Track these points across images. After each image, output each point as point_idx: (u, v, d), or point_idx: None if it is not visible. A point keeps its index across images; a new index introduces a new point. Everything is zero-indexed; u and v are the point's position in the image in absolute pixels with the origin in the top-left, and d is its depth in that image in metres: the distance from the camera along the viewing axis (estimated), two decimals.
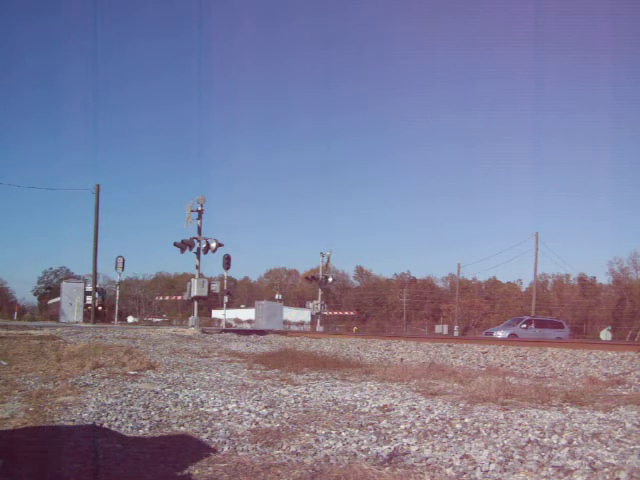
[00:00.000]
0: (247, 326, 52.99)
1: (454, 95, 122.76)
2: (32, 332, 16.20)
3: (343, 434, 3.94)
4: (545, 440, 3.56)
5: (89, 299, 41.70)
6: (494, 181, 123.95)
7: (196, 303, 21.45)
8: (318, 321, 33.09)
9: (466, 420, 4.18)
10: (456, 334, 49.60)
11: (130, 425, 4.24)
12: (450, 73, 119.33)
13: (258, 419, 4.46)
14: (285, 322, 46.49)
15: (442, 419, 4.25)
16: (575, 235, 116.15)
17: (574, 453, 3.27)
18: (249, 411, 4.72)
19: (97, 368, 7.25)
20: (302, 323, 61.39)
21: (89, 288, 41.72)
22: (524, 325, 29.75)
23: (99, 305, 44.13)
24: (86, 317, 38.72)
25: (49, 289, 78.85)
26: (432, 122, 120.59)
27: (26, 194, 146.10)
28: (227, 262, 25.51)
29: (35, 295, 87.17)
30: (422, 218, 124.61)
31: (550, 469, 3.06)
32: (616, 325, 57.46)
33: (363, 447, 3.63)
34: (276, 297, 57.99)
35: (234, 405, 4.95)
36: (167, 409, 4.83)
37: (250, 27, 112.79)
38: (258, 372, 7.50)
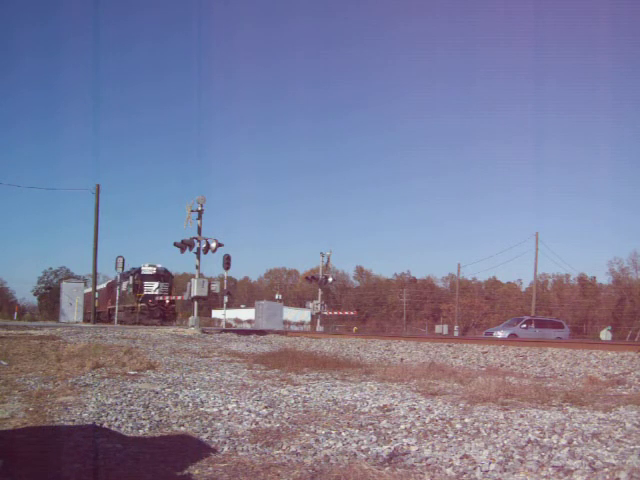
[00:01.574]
0: (247, 326, 52.97)
1: (454, 95, 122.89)
2: (32, 332, 16.20)
3: (343, 434, 3.94)
4: (545, 440, 3.56)
5: (152, 286, 30.06)
6: (494, 181, 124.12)
7: (196, 303, 21.45)
8: (318, 321, 33.06)
9: (466, 420, 4.18)
10: (456, 334, 49.58)
11: (130, 425, 4.23)
12: (450, 73, 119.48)
13: (258, 419, 4.46)
14: (285, 322, 46.45)
15: (442, 419, 4.25)
16: (575, 235, 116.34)
17: (574, 453, 3.27)
18: (249, 411, 4.72)
19: (97, 368, 7.25)
20: (302, 323, 61.43)
21: (151, 270, 30.84)
22: (524, 325, 29.74)
23: (164, 297, 30.63)
24: (150, 315, 29.02)
25: (49, 289, 78.84)
26: (432, 122, 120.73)
27: (26, 194, 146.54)
28: (227, 262, 25.46)
29: (35, 295, 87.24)
30: (422, 218, 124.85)
31: (550, 469, 3.06)
32: (616, 325, 57.45)
33: (363, 447, 3.63)
34: (276, 297, 57.95)
35: (234, 405, 4.95)
36: (167, 409, 4.83)
37: (250, 28, 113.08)
38: (258, 372, 7.50)
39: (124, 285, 33.49)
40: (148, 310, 29.19)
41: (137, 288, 31.11)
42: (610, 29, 79.34)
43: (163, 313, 30.09)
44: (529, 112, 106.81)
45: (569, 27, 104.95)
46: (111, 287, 37.74)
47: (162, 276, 31.86)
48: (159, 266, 32.07)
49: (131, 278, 32.46)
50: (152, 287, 30.82)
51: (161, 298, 29.82)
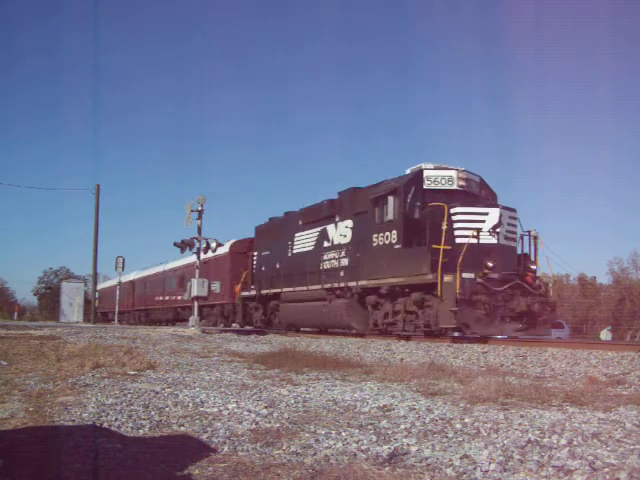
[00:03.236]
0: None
1: (454, 95, 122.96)
2: (32, 332, 16.20)
3: (343, 434, 3.94)
4: (545, 440, 3.56)
5: (484, 219, 12.30)
6: (493, 181, 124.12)
7: (196, 303, 21.44)
8: None
9: (466, 420, 4.18)
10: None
11: (130, 425, 4.23)
12: (449, 73, 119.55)
13: (258, 419, 4.46)
14: None
15: (442, 419, 4.25)
16: (575, 235, 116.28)
17: (574, 453, 3.27)
18: (249, 411, 4.72)
19: (97, 368, 7.25)
20: None
21: (452, 176, 13.10)
22: None
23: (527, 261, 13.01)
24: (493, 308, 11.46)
25: (49, 289, 78.78)
26: (432, 122, 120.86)
27: (26, 194, 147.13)
28: None
29: (35, 295, 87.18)
30: None
31: (550, 469, 3.06)
32: (616, 325, 57.38)
33: (363, 447, 3.63)
34: None
35: (234, 405, 4.94)
36: (167, 409, 4.83)
37: (251, 28, 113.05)
38: (258, 372, 7.50)
39: (361, 225, 15.08)
40: (484, 291, 11.85)
41: (436, 227, 12.64)
42: (610, 29, 79.24)
43: (530, 303, 12.32)
44: (529, 112, 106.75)
45: (569, 27, 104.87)
46: (244, 251, 22.33)
47: (486, 200, 13.67)
48: (468, 171, 13.66)
49: (392, 201, 13.71)
50: (484, 223, 12.70)
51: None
